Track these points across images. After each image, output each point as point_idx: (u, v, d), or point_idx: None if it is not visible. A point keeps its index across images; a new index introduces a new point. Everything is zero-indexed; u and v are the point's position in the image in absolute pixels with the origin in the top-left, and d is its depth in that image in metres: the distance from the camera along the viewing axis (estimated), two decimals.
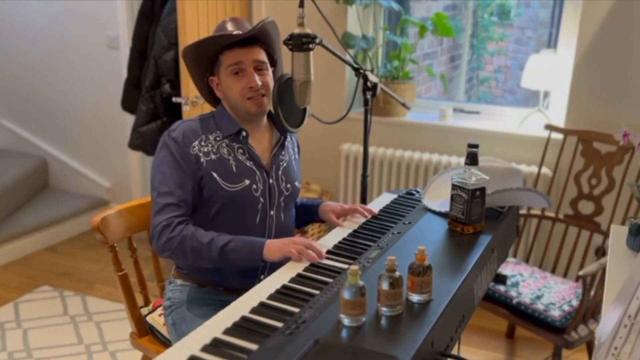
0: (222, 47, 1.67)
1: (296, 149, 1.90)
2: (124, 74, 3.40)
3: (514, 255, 2.90)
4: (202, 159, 1.65)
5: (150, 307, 1.90)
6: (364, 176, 2.04)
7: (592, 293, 2.14)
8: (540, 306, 2.22)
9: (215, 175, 1.65)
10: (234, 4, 3.12)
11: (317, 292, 1.32)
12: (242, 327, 1.18)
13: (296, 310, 1.24)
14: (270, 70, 1.73)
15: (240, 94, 1.68)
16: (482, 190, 1.63)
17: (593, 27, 2.75)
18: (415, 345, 1.09)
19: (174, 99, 2.83)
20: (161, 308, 1.83)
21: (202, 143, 1.68)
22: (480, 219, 1.66)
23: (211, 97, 1.80)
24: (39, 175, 4.11)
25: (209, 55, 1.69)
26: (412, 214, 1.83)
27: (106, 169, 4.05)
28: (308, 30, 1.61)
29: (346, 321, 1.16)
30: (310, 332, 1.14)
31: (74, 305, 3.02)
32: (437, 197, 1.87)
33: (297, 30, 1.60)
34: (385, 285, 1.19)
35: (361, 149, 3.10)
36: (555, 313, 2.18)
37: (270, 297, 1.31)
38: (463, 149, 1.66)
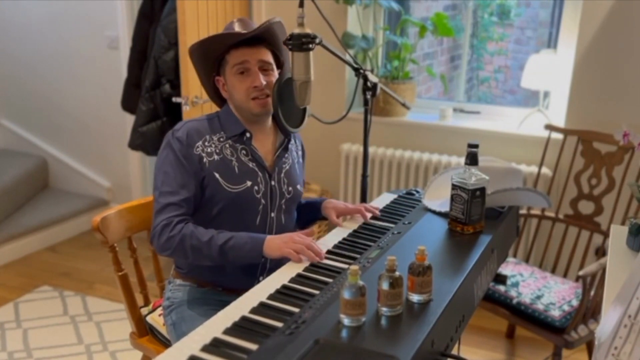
0: (228, 46, 1.67)
1: (300, 153, 1.90)
2: (124, 74, 3.40)
3: (514, 255, 2.90)
4: (205, 159, 1.66)
5: (150, 307, 1.90)
6: (364, 176, 2.04)
7: (592, 293, 2.14)
8: (540, 306, 2.22)
9: (217, 175, 1.65)
10: (234, 4, 3.12)
11: (317, 292, 1.32)
12: (242, 327, 1.18)
13: (296, 310, 1.24)
14: (276, 71, 1.73)
15: (245, 94, 1.68)
16: (482, 190, 1.63)
17: (593, 27, 2.75)
18: (415, 345, 1.09)
19: (174, 99, 2.83)
20: (161, 308, 1.83)
21: (206, 143, 1.68)
22: (480, 219, 1.66)
23: (217, 97, 1.80)
24: (39, 175, 4.11)
25: (215, 54, 1.69)
26: (412, 214, 1.83)
27: (106, 169, 4.05)
28: (308, 30, 1.61)
29: (346, 321, 1.16)
30: (310, 332, 1.14)
31: (74, 305, 3.02)
32: (437, 197, 1.87)
33: (297, 30, 1.60)
34: (385, 285, 1.19)
35: (361, 149, 3.11)
36: (555, 313, 2.18)
37: (270, 297, 1.31)
38: (463, 149, 1.66)
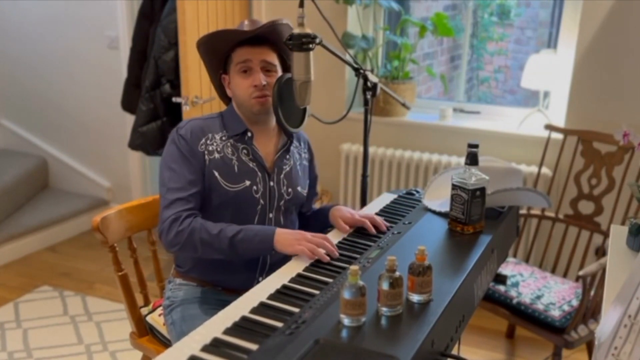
0: (234, 44, 1.68)
1: (304, 155, 1.88)
2: (124, 74, 3.40)
3: (514, 255, 2.90)
4: (206, 157, 1.66)
5: (150, 307, 1.90)
6: (364, 176, 2.04)
7: (592, 293, 2.14)
8: (540, 306, 2.22)
9: (216, 174, 1.66)
10: (234, 4, 3.12)
11: (317, 292, 1.32)
12: (242, 327, 1.18)
13: (296, 310, 1.24)
14: (279, 73, 1.72)
15: (246, 93, 1.68)
16: (482, 190, 1.63)
17: (593, 27, 2.75)
18: (415, 345, 1.09)
19: (174, 99, 2.83)
20: (161, 308, 1.83)
21: (208, 142, 1.68)
22: (480, 219, 1.66)
23: (224, 96, 1.81)
24: (39, 175, 4.11)
25: (220, 51, 1.70)
26: (412, 214, 1.83)
27: (106, 169, 4.05)
28: (308, 30, 1.61)
29: (346, 321, 1.16)
30: (310, 332, 1.14)
31: (74, 305, 3.02)
32: (437, 197, 1.87)
33: (297, 30, 1.60)
34: (385, 285, 1.19)
35: (361, 149, 3.11)
36: (555, 313, 2.18)
37: (270, 297, 1.31)
38: (463, 149, 1.66)
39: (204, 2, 2.81)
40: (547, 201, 1.79)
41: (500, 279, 2.35)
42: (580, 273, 2.05)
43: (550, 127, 2.70)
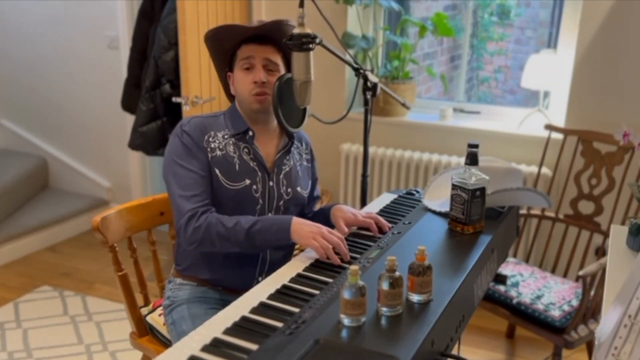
0: (240, 41, 1.70)
1: (305, 156, 1.88)
2: (124, 74, 3.40)
3: (514, 255, 2.90)
4: (209, 154, 1.67)
5: (150, 307, 1.90)
6: (364, 176, 2.04)
7: (592, 293, 2.14)
8: (540, 306, 2.22)
9: (217, 171, 1.66)
10: (234, 4, 3.12)
11: (317, 292, 1.32)
12: (242, 327, 1.18)
13: (296, 310, 1.24)
14: (282, 73, 1.72)
15: (247, 89, 1.69)
16: (482, 190, 1.63)
17: (593, 27, 2.75)
18: (415, 345, 1.09)
19: (174, 99, 2.83)
20: (161, 308, 1.83)
21: (210, 139, 1.69)
22: (480, 219, 1.66)
23: (230, 94, 1.82)
24: (39, 175, 4.11)
25: (227, 46, 1.72)
26: (412, 214, 1.83)
27: (106, 169, 4.05)
28: (308, 30, 1.61)
29: (346, 321, 1.16)
30: (310, 332, 1.14)
31: (74, 305, 3.02)
32: (437, 197, 1.87)
33: (297, 30, 1.60)
34: (385, 285, 1.19)
35: (361, 149, 3.11)
36: (555, 313, 2.18)
37: (270, 297, 1.31)
38: (463, 149, 1.66)
39: (204, 2, 2.81)
40: (547, 201, 1.79)
41: (500, 279, 2.35)
42: (580, 273, 2.05)
43: (550, 127, 2.70)
